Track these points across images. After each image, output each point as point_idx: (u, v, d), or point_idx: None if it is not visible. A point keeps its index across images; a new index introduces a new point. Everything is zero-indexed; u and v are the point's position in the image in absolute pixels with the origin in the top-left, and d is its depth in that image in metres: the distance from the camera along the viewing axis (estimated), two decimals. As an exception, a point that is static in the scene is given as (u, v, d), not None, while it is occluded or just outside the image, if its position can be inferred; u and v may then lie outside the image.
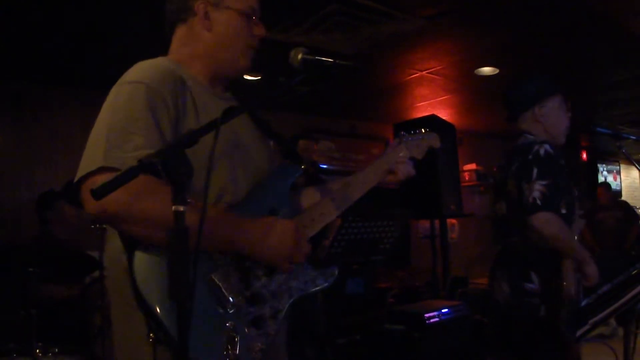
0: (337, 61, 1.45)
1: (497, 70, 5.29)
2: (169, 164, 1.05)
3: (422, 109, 6.65)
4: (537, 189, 2.41)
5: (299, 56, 1.46)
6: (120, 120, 1.33)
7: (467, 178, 7.91)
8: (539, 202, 2.39)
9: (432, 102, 6.41)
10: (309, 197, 1.74)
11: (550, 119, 2.67)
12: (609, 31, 4.35)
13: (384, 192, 1.77)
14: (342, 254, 3.58)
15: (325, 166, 6.40)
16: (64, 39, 3.98)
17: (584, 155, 10.12)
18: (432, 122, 5.69)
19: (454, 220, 7.71)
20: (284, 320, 1.48)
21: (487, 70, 5.29)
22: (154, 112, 1.36)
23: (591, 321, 2.17)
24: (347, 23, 4.02)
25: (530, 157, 2.49)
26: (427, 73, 5.31)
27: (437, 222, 5.98)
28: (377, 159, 1.77)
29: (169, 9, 1.62)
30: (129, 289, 1.28)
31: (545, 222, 2.38)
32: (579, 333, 2.17)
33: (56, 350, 3.01)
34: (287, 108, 6.25)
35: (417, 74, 5.34)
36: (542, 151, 2.49)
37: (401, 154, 1.76)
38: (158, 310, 1.23)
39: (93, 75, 4.80)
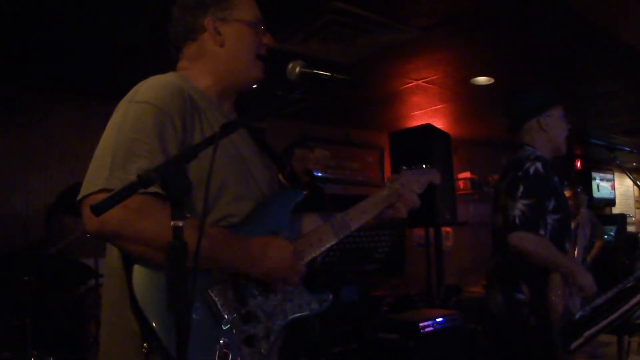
0: (335, 75, 1.45)
1: (492, 80, 5.31)
2: (167, 179, 1.05)
3: (418, 118, 6.68)
4: (519, 207, 2.43)
5: (297, 70, 1.46)
6: (127, 141, 1.33)
7: (461, 186, 7.93)
8: (517, 221, 2.41)
9: (427, 111, 6.43)
10: (310, 222, 1.74)
11: (555, 128, 2.68)
12: (602, 42, 4.38)
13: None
14: (336, 263, 3.58)
15: (320, 174, 6.42)
16: (59, 45, 3.97)
17: (578, 164, 10.15)
18: (427, 131, 5.73)
19: (448, 229, 7.73)
20: (277, 341, 1.48)
21: (482, 79, 5.31)
22: (161, 136, 1.36)
23: (586, 334, 2.17)
24: (343, 33, 4.04)
25: (520, 173, 2.50)
26: (422, 82, 5.32)
27: (431, 230, 5.99)
28: (378, 192, 1.80)
29: (174, 31, 1.63)
30: (125, 300, 1.28)
31: (520, 240, 2.40)
32: (573, 346, 2.18)
33: (51, 358, 3.01)
34: (283, 115, 6.27)
35: (412, 83, 5.36)
36: (532, 169, 2.49)
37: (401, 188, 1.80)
38: (154, 322, 1.24)
39: (88, 81, 4.81)
